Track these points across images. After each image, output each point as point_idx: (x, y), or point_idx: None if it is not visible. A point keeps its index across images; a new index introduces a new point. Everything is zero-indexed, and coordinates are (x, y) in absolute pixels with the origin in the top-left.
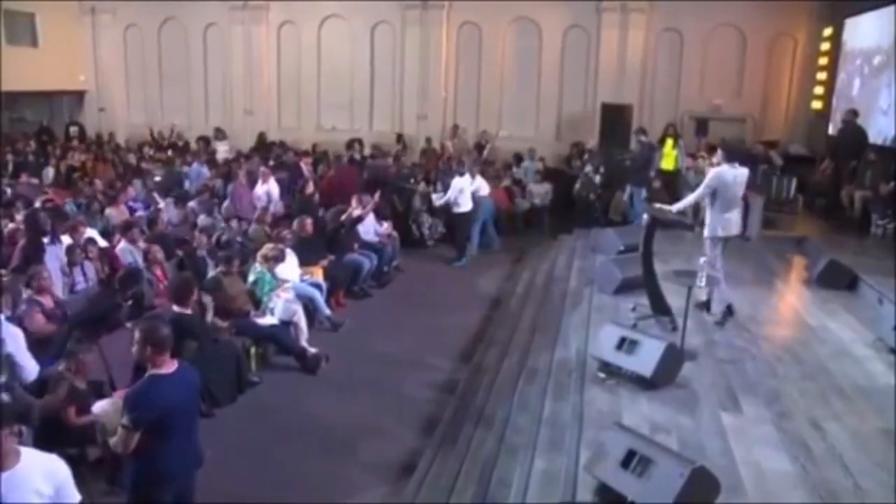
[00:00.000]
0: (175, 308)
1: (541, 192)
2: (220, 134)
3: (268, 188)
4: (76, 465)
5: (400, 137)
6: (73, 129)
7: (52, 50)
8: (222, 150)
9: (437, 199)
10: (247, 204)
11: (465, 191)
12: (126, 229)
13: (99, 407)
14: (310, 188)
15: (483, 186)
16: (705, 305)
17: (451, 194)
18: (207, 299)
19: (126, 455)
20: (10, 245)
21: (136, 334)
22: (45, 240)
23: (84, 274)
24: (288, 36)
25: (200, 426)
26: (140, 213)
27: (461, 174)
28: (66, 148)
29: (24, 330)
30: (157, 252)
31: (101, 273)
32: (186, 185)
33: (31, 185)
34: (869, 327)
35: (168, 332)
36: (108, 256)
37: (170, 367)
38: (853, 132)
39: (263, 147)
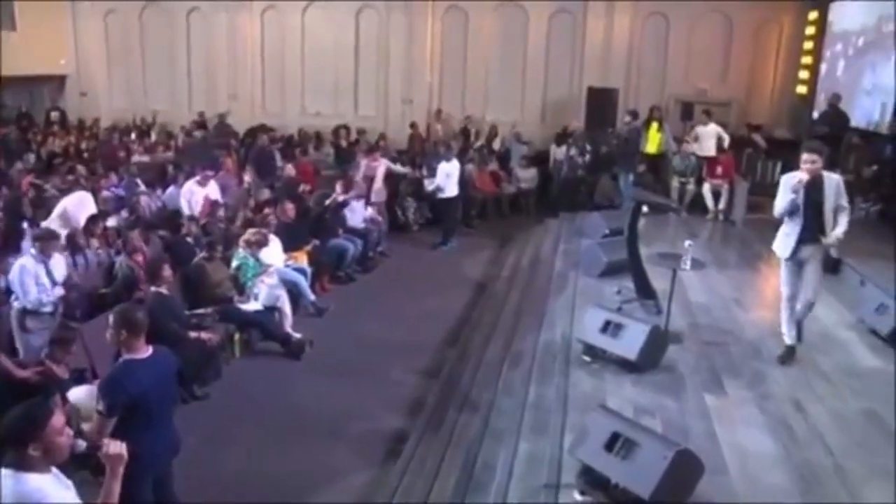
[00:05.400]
0: (152, 288)
1: (527, 176)
2: (195, 124)
3: (207, 192)
4: None
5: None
6: (54, 114)
7: (32, 34)
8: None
9: (429, 185)
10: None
11: (452, 176)
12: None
13: (74, 393)
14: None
15: None
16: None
17: (439, 180)
18: None
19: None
20: None
21: (111, 318)
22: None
23: (85, 258)
24: (271, 21)
25: (182, 412)
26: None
27: (448, 160)
28: (47, 133)
29: None
30: (136, 239)
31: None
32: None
33: (18, 170)
34: (851, 309)
35: (143, 316)
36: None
37: (145, 351)
38: (835, 116)
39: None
